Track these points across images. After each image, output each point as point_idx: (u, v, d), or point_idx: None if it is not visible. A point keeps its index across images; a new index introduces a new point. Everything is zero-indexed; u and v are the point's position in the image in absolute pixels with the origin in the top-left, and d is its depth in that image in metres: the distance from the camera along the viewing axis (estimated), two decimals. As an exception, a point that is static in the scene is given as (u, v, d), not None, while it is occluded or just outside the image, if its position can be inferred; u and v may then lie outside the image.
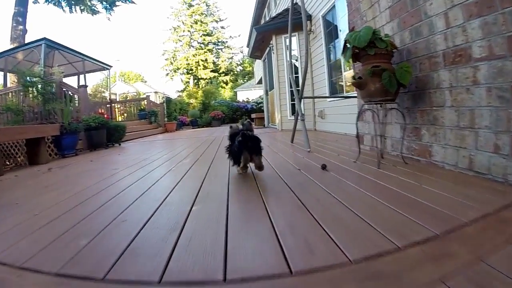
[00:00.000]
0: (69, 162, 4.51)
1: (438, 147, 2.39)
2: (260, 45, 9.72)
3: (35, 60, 10.39)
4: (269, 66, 9.41)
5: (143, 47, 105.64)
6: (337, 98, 5.89)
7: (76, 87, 7.61)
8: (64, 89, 7.65)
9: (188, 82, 36.50)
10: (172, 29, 37.81)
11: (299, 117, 3.82)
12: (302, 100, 5.30)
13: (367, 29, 2.58)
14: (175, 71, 37.62)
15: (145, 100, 13.09)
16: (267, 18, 12.74)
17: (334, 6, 6.02)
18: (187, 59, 36.64)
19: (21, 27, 15.45)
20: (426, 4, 2.42)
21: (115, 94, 34.05)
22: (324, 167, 2.45)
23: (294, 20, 7.69)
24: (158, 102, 14.09)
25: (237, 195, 1.94)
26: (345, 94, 5.61)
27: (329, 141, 4.63)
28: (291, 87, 7.71)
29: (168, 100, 12.94)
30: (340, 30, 5.85)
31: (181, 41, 37.43)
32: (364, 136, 3.70)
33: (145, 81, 52.97)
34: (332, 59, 6.47)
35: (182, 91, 24.55)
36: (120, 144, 7.38)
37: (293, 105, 7.82)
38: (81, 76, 12.75)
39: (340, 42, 5.92)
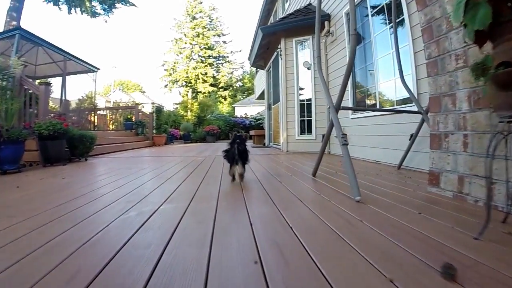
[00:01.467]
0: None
1: None
2: (264, 52, 8.35)
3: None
4: (275, 75, 7.99)
5: (145, 57, 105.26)
6: (368, 115, 4.43)
7: (38, 85, 6.07)
8: (25, 87, 6.17)
9: (187, 94, 35.20)
10: (174, 41, 36.89)
11: (340, 140, 2.29)
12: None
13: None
14: (173, 83, 36.42)
15: (132, 109, 11.56)
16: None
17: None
18: (186, 72, 35.56)
19: (14, 22, 14.22)
20: None
21: (110, 101, 32.73)
22: (450, 273, 0.91)
23: (309, 21, 6.35)
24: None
25: None
26: (397, 107, 4.08)
27: (367, 175, 3.10)
28: (302, 100, 6.27)
29: (159, 110, 11.40)
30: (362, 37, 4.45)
31: (182, 53, 36.44)
32: (442, 174, 2.23)
33: (144, 92, 51.78)
34: (360, 66, 5.03)
35: (180, 103, 23.13)
36: (86, 159, 5.81)
37: (302, 122, 6.35)
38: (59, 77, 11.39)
39: (372, 43, 4.51)
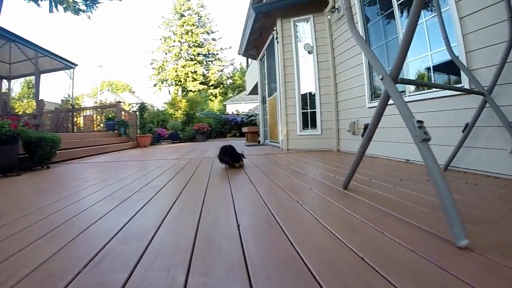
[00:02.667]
0: None
1: None
2: (257, 39, 7.29)
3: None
4: (270, 64, 6.94)
5: (133, 57, 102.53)
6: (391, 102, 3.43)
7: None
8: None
9: (177, 93, 33.84)
10: (162, 39, 35.44)
11: (416, 132, 1.24)
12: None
13: None
14: (162, 82, 34.97)
15: (113, 108, 10.37)
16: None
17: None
18: (176, 70, 34.18)
19: (-6, 22, 12.88)
20: None
21: (97, 102, 31.18)
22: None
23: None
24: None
25: None
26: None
27: (415, 183, 2.09)
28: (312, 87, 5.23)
29: (142, 108, 10.19)
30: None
31: (170, 51, 35.03)
32: None
33: (133, 92, 50.05)
34: (378, 43, 3.98)
35: (168, 102, 21.80)
36: (49, 167, 4.69)
37: (304, 115, 5.32)
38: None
39: (395, 12, 3.50)
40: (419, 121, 1.27)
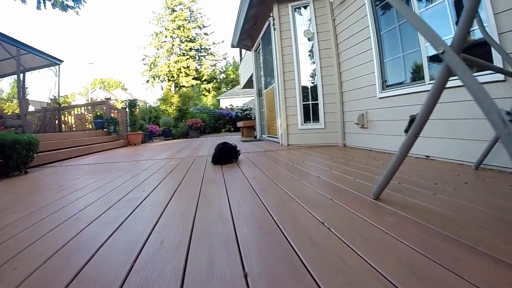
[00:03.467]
0: None
1: None
2: (251, 28, 6.80)
3: None
4: (266, 54, 6.46)
5: (125, 54, 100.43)
6: (413, 91, 3.01)
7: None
8: None
9: (170, 89, 33.10)
10: (154, 34, 34.50)
11: (508, 131, 0.81)
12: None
13: None
14: (154, 78, 34.14)
15: (103, 105, 9.82)
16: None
17: None
18: (168, 66, 33.36)
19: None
20: None
21: (88, 100, 30.40)
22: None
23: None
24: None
25: None
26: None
27: (457, 187, 1.68)
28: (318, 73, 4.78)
29: (132, 104, 9.66)
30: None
31: (162, 47, 34.16)
32: None
33: (125, 89, 49.04)
34: (388, 26, 3.52)
35: (160, 98, 21.12)
36: (27, 172, 4.22)
37: (305, 107, 4.88)
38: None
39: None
40: (508, 113, 0.85)
